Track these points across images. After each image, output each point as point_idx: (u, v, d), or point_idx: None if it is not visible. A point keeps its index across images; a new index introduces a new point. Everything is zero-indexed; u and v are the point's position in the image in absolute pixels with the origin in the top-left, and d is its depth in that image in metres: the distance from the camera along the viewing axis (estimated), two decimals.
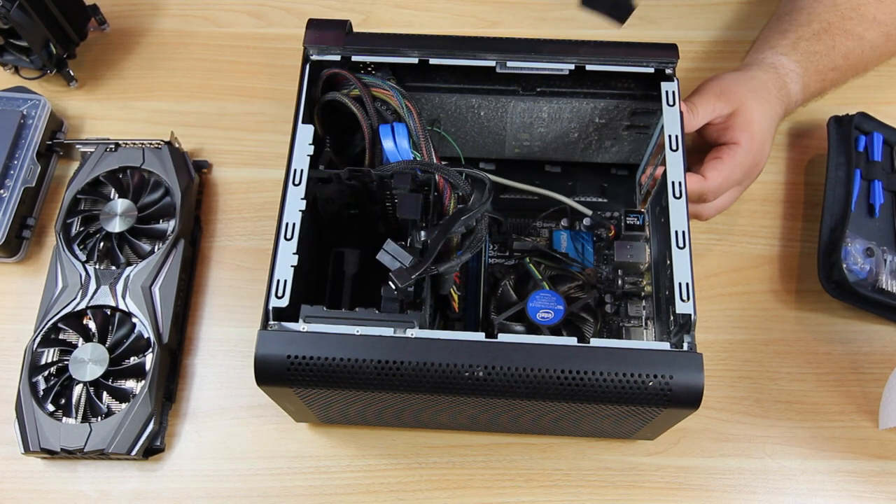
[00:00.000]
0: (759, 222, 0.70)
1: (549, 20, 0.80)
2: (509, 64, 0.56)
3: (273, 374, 0.47)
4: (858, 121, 0.68)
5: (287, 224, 0.50)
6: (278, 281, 0.49)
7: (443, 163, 0.56)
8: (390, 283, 0.50)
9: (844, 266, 0.63)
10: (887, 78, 0.76)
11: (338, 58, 0.57)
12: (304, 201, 0.51)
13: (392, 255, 0.51)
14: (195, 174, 0.70)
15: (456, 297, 0.58)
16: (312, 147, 0.53)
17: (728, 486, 0.61)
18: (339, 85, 0.58)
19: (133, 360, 0.62)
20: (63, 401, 0.61)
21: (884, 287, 0.64)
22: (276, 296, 0.48)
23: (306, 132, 0.53)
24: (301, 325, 0.48)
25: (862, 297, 0.64)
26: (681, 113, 0.55)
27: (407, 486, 0.61)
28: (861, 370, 0.64)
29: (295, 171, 0.52)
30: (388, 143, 0.56)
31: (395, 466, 0.61)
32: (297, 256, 0.50)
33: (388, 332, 0.47)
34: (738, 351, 0.65)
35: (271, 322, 0.48)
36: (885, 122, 0.69)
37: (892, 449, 0.62)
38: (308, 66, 0.56)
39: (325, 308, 0.49)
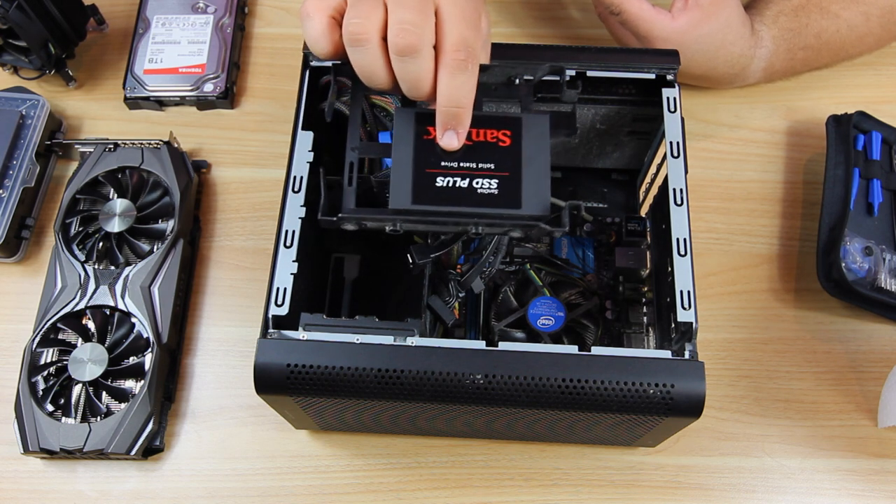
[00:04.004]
0: (757, 221, 0.70)
1: (548, 20, 0.80)
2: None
3: (273, 382, 0.47)
4: (857, 120, 0.68)
5: (287, 231, 0.50)
6: (278, 289, 0.48)
7: None
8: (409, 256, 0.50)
9: (843, 265, 0.63)
10: (886, 77, 0.76)
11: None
12: (304, 208, 0.51)
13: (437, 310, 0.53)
14: (194, 174, 0.70)
15: (456, 303, 0.58)
16: (312, 154, 0.53)
17: (727, 484, 0.61)
18: (339, 91, 0.58)
19: (132, 359, 0.62)
20: (62, 401, 0.61)
21: (882, 286, 0.64)
22: (276, 304, 0.48)
23: (306, 139, 0.53)
24: (301, 334, 0.47)
25: (861, 296, 0.64)
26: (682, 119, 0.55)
27: (406, 486, 0.61)
28: (860, 369, 0.65)
29: (294, 177, 0.52)
30: None
31: (394, 466, 0.61)
32: (296, 264, 0.49)
33: (388, 340, 0.47)
34: (737, 350, 0.65)
35: (271, 330, 0.48)
36: (883, 120, 0.70)
37: (891, 447, 0.62)
38: (308, 72, 0.56)
39: (324, 316, 0.48)
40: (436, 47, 0.45)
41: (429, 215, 0.47)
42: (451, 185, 0.48)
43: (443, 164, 0.48)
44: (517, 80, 0.51)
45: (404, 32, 0.44)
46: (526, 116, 0.50)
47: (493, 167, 0.48)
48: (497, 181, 0.48)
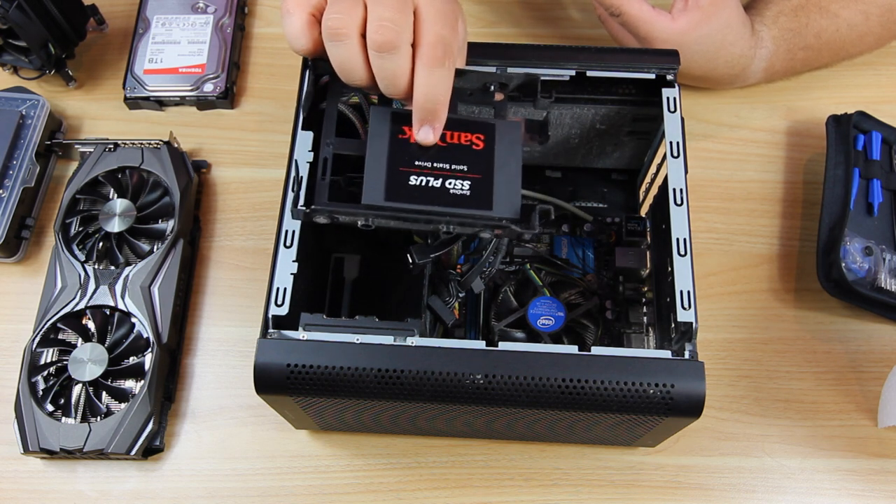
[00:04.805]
0: (757, 221, 0.70)
1: (548, 20, 0.80)
2: (510, 70, 0.56)
3: (273, 382, 0.47)
4: (857, 120, 0.68)
5: (286, 231, 0.50)
6: (278, 289, 0.48)
7: None
8: (409, 255, 0.50)
9: (843, 265, 0.63)
10: (886, 77, 0.76)
11: None
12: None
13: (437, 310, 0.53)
14: (194, 174, 0.70)
15: (456, 303, 0.58)
16: (312, 154, 0.53)
17: (727, 484, 0.61)
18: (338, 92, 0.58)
19: (132, 359, 0.62)
20: (62, 401, 0.61)
21: (882, 286, 0.64)
22: (276, 304, 0.48)
23: (306, 139, 0.53)
24: (301, 334, 0.47)
25: (861, 296, 0.64)
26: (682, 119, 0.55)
27: (406, 486, 0.61)
28: (860, 369, 0.65)
29: (294, 178, 0.52)
30: None
31: (394, 466, 0.61)
32: (296, 264, 0.49)
33: (387, 340, 0.47)
34: (737, 350, 0.65)
35: (271, 330, 0.48)
36: (883, 120, 0.70)
37: (891, 447, 0.62)
38: (308, 73, 0.56)
39: (324, 316, 0.48)
40: (413, 46, 0.46)
41: (401, 212, 0.48)
42: (423, 184, 0.48)
43: (416, 163, 0.49)
44: (492, 87, 0.52)
45: (383, 29, 0.45)
46: (499, 123, 0.51)
47: (465, 169, 0.49)
48: (469, 183, 0.49)
